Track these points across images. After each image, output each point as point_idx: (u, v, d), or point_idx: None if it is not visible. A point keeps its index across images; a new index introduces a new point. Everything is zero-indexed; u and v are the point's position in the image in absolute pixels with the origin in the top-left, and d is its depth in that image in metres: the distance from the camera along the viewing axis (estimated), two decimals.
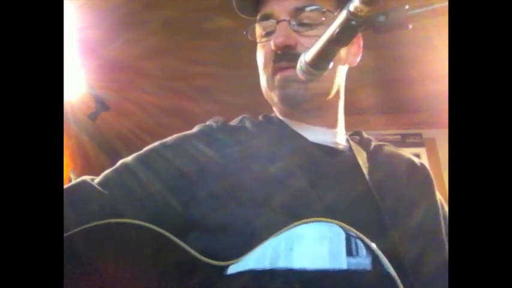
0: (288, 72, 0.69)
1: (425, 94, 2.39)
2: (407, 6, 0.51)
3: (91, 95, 2.50)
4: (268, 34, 0.72)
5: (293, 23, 0.69)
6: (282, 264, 0.46)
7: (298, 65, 0.62)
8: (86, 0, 1.82)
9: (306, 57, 0.60)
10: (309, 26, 0.69)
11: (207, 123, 0.75)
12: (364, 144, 0.77)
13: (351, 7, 0.49)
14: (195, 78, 2.39)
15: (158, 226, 0.57)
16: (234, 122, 0.77)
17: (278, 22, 0.69)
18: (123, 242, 0.53)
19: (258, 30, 0.75)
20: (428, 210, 0.67)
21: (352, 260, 0.45)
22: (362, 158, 0.70)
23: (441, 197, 0.73)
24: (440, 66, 2.07)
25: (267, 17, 0.72)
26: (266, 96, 0.77)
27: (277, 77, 0.70)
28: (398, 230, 0.59)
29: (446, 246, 0.63)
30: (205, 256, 0.52)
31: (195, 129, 0.74)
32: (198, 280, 0.50)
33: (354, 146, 0.74)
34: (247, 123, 0.75)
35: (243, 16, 0.76)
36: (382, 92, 2.47)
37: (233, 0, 0.74)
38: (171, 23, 1.97)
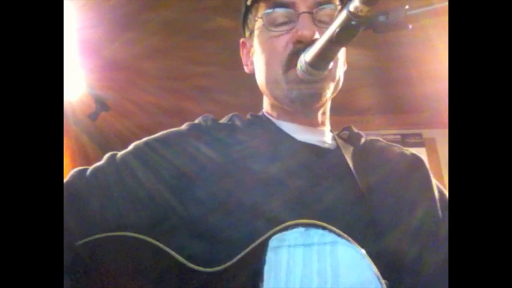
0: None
1: (425, 94, 2.39)
2: (407, 6, 0.51)
3: (91, 95, 2.50)
4: (283, 24, 0.67)
5: (315, 16, 0.66)
6: None
7: (298, 65, 0.62)
8: (86, 0, 1.81)
9: (306, 57, 0.60)
10: (325, 23, 0.66)
11: (196, 121, 0.74)
12: (353, 139, 0.75)
13: (351, 7, 0.49)
14: (195, 78, 2.39)
15: (154, 226, 0.57)
16: (224, 120, 0.76)
17: (301, 13, 0.65)
18: (123, 252, 0.54)
19: (270, 18, 0.69)
20: (426, 204, 0.65)
21: None
22: (349, 155, 0.68)
23: (438, 183, 0.71)
24: (440, 66, 2.07)
25: (284, 5, 0.67)
26: (267, 90, 0.72)
27: (294, 72, 0.64)
28: (395, 227, 0.58)
29: (446, 243, 0.62)
30: (201, 259, 0.52)
31: (184, 126, 0.72)
32: (196, 285, 0.50)
33: (341, 143, 0.71)
34: (237, 121, 0.74)
35: None
36: (382, 92, 2.47)
37: None
38: (171, 23, 1.96)
